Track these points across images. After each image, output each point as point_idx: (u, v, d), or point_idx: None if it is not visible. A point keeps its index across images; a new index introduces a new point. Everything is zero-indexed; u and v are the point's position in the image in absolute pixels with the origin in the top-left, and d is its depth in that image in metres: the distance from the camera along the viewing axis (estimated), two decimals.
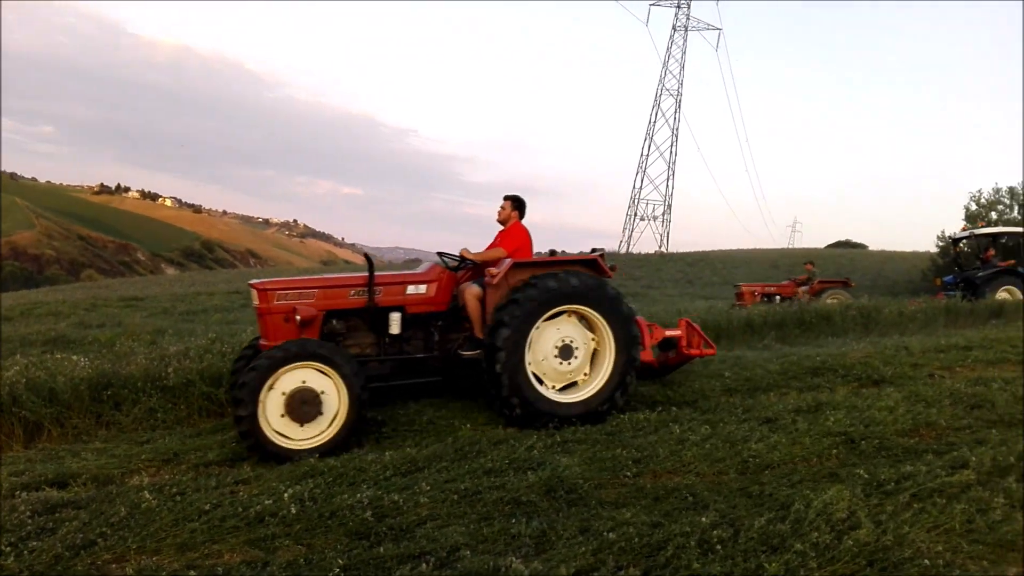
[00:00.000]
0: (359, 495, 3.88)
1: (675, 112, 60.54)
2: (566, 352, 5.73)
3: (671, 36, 61.50)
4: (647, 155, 61.41)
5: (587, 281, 5.74)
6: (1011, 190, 26.63)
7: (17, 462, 5.01)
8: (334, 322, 5.68)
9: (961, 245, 19.24)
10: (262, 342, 5.60)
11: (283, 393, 4.92)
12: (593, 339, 5.88)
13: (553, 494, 3.99)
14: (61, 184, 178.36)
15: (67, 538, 3.40)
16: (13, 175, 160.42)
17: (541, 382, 5.68)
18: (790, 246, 63.40)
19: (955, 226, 30.71)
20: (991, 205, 26.61)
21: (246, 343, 6.65)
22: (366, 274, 5.67)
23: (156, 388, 6.07)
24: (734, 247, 48.49)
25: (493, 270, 5.77)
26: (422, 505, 3.85)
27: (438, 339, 5.93)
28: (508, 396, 5.47)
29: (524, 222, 6.37)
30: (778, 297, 17.87)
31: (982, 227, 19.50)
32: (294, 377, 4.97)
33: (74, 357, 6.76)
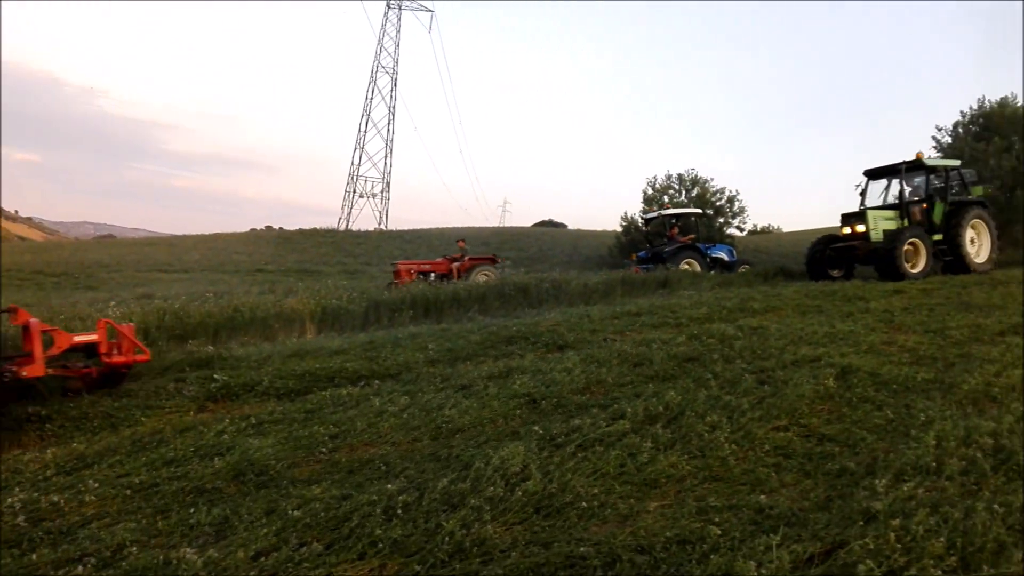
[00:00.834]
0: (10, 500, 3.48)
1: (391, 90, 60.96)
2: None
3: (385, 13, 61.66)
4: (364, 132, 61.15)
5: None
6: (680, 176, 30.95)
7: None
8: None
9: (651, 225, 21.80)
10: None
11: None
12: None
13: (242, 478, 3.83)
14: None
15: None
16: None
17: None
18: (501, 225, 67.31)
19: (636, 208, 35.13)
20: (664, 189, 30.61)
21: None
22: None
23: None
24: (450, 225, 50.28)
25: None
26: (88, 504, 3.52)
27: None
28: None
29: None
30: (432, 275, 18.17)
31: (668, 209, 22.32)
32: None
33: None
